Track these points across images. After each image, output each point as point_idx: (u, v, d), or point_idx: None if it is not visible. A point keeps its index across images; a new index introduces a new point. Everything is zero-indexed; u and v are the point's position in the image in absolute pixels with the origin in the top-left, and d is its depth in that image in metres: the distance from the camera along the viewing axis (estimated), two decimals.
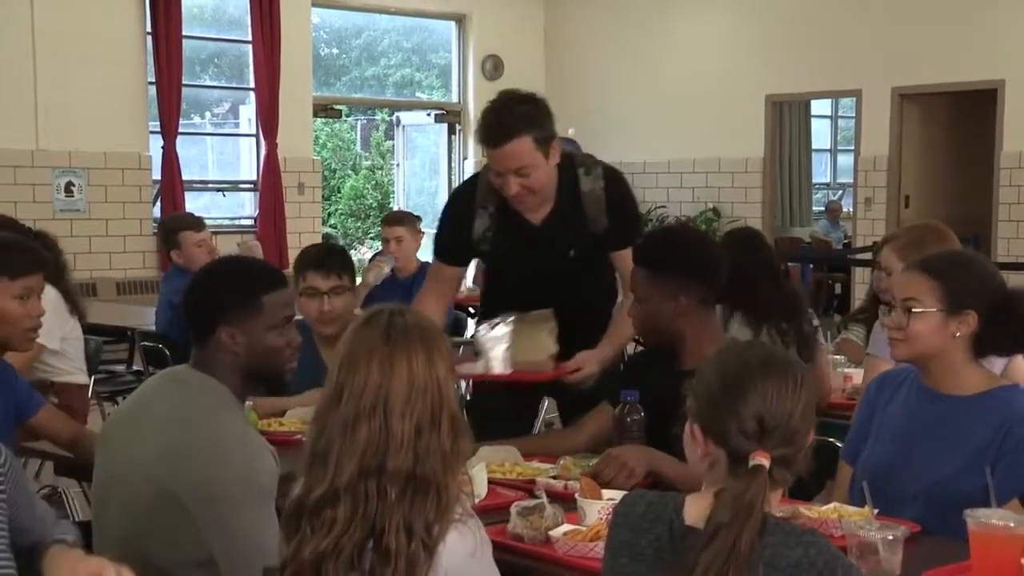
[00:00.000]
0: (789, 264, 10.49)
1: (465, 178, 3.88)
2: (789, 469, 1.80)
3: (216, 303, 2.44)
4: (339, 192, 16.85)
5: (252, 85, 10.30)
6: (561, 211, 3.41)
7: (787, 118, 12.38)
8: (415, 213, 6.89)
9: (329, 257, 3.61)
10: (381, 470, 1.88)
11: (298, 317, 3.67)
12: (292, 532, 1.91)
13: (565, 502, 2.55)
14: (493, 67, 11.89)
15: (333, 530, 1.86)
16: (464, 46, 12.03)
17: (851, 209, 11.44)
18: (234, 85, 10.97)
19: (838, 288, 12.12)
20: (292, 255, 10.08)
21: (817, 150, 14.35)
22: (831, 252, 12.41)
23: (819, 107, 14.20)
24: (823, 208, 14.04)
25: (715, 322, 3.14)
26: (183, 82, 9.75)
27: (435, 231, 3.69)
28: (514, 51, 12.00)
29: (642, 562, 1.80)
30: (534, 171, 3.27)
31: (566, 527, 2.40)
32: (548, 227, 3.43)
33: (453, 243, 3.58)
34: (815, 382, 1.89)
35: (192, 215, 5.94)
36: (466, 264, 3.82)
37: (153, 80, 9.60)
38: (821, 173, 15.15)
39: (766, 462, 1.74)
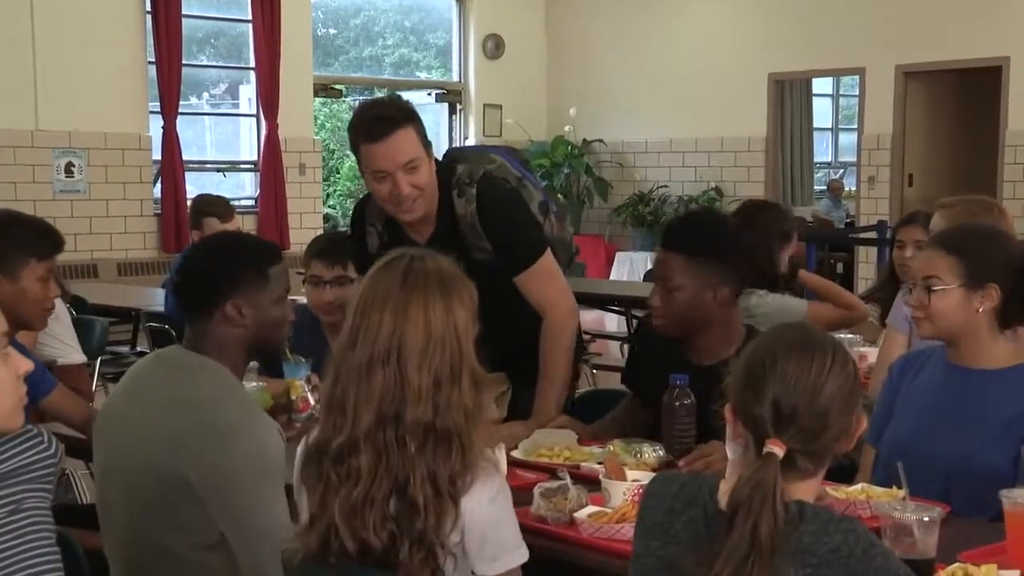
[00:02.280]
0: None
1: None
2: (816, 456, 1.74)
3: (224, 277, 2.42)
4: (338, 173, 16.77)
5: (252, 65, 10.21)
6: (441, 235, 3.10)
7: (788, 97, 12.30)
8: None
9: (333, 247, 3.55)
10: (399, 419, 1.86)
11: (301, 300, 3.63)
12: (314, 480, 1.89)
13: (589, 483, 2.51)
14: (494, 46, 11.81)
15: (361, 480, 1.85)
16: (465, 25, 11.94)
17: (854, 188, 11.39)
18: (234, 65, 10.88)
19: (840, 267, 12.07)
20: (293, 236, 10.03)
21: (819, 129, 14.28)
22: (833, 231, 12.36)
23: (820, 86, 14.12)
24: (824, 187, 13.98)
25: (739, 313, 3.05)
26: (183, 62, 9.67)
27: None
28: (515, 30, 11.91)
29: (676, 545, 1.75)
30: (422, 166, 3.01)
31: (591, 509, 2.36)
32: (431, 247, 3.15)
33: (360, 257, 3.32)
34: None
35: (224, 201, 5.84)
36: None
37: (153, 60, 9.51)
38: (823, 152, 15.09)
39: (778, 450, 1.69)
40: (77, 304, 5.45)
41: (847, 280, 11.40)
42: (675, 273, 2.88)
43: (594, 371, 6.44)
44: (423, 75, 13.32)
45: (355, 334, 1.90)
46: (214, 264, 2.46)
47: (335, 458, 1.87)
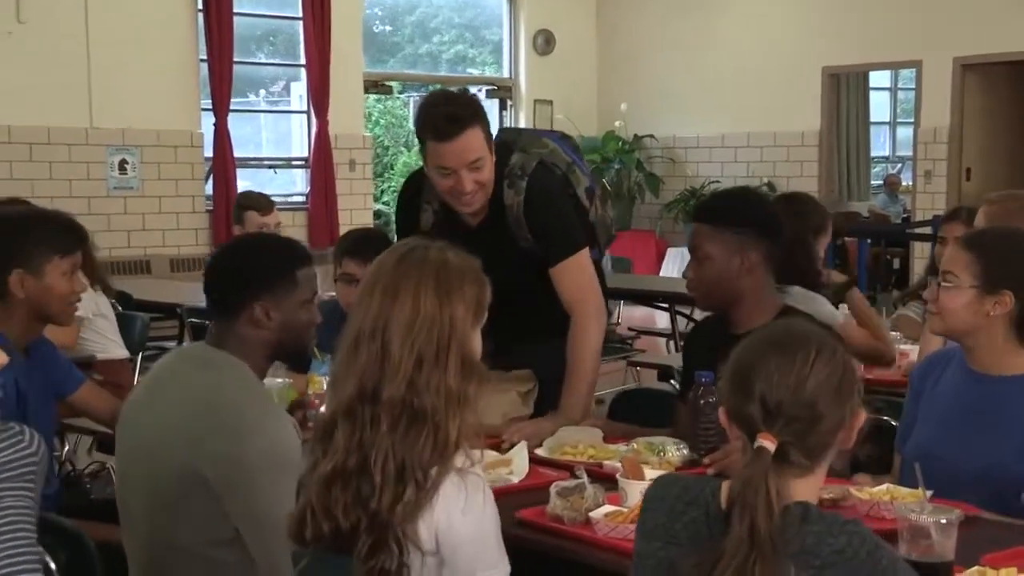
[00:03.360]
0: (846, 239, 10.43)
1: None
2: (811, 450, 1.72)
3: (252, 279, 2.42)
4: (392, 169, 16.84)
5: (303, 62, 10.28)
6: (489, 223, 3.22)
7: (845, 90, 12.15)
8: None
9: (365, 244, 3.55)
10: (376, 396, 1.85)
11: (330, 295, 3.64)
12: (311, 453, 1.90)
13: (611, 482, 2.49)
14: (544, 41, 11.78)
15: (337, 454, 1.83)
16: (515, 20, 11.93)
17: (911, 183, 11.22)
18: (285, 62, 10.96)
19: (896, 263, 11.91)
20: (343, 232, 10.06)
21: (876, 123, 14.08)
22: (889, 226, 12.19)
23: (878, 79, 13.93)
24: (882, 182, 13.79)
25: (773, 285, 3.05)
26: (235, 59, 9.75)
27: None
28: (565, 25, 11.88)
29: (678, 547, 1.73)
30: (485, 164, 3.10)
31: (607, 508, 2.33)
32: (481, 233, 3.21)
33: (411, 232, 3.35)
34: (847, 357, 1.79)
35: (264, 196, 5.93)
36: None
37: (205, 58, 9.61)
38: (880, 146, 14.88)
39: (769, 444, 1.67)
40: (122, 300, 5.51)
41: (902, 276, 11.24)
42: (703, 242, 2.94)
43: (637, 368, 6.40)
44: (477, 71, 13.34)
45: (352, 313, 1.92)
46: (243, 265, 2.46)
47: (321, 434, 1.88)
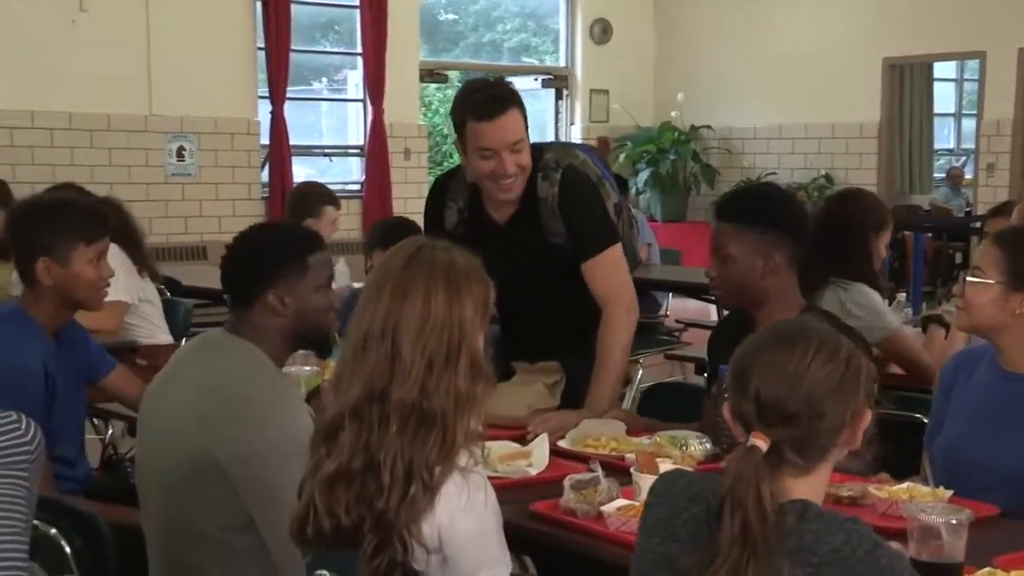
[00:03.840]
0: (905, 233, 10.27)
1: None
2: (807, 449, 1.70)
3: (264, 267, 2.44)
4: (451, 157, 16.89)
5: (360, 50, 10.33)
6: (521, 215, 3.23)
7: (908, 81, 11.96)
8: None
9: (395, 235, 3.56)
10: (385, 398, 1.85)
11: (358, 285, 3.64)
12: (315, 453, 1.91)
13: (626, 476, 2.48)
14: (601, 31, 11.73)
15: (343, 455, 1.84)
16: (572, 10, 11.89)
17: (973, 176, 11.04)
18: (341, 50, 11.02)
19: (959, 257, 11.71)
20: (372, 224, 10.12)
21: (940, 114, 13.85)
22: (949, 220, 11.99)
23: (943, 70, 13.69)
24: (945, 175, 13.56)
25: (796, 285, 3.03)
26: (292, 47, 9.83)
27: None
28: (622, 14, 11.81)
29: (676, 543, 1.72)
30: (525, 147, 3.14)
31: (620, 502, 2.33)
32: (510, 229, 3.25)
33: (436, 233, 3.34)
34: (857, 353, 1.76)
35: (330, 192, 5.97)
36: None
37: (262, 46, 9.69)
38: (944, 139, 14.63)
39: (760, 443, 1.65)
40: (170, 286, 5.60)
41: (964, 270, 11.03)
42: (727, 242, 2.92)
43: (682, 363, 6.36)
44: (536, 60, 13.31)
45: (360, 313, 1.91)
46: (255, 254, 2.49)
47: (326, 434, 1.89)
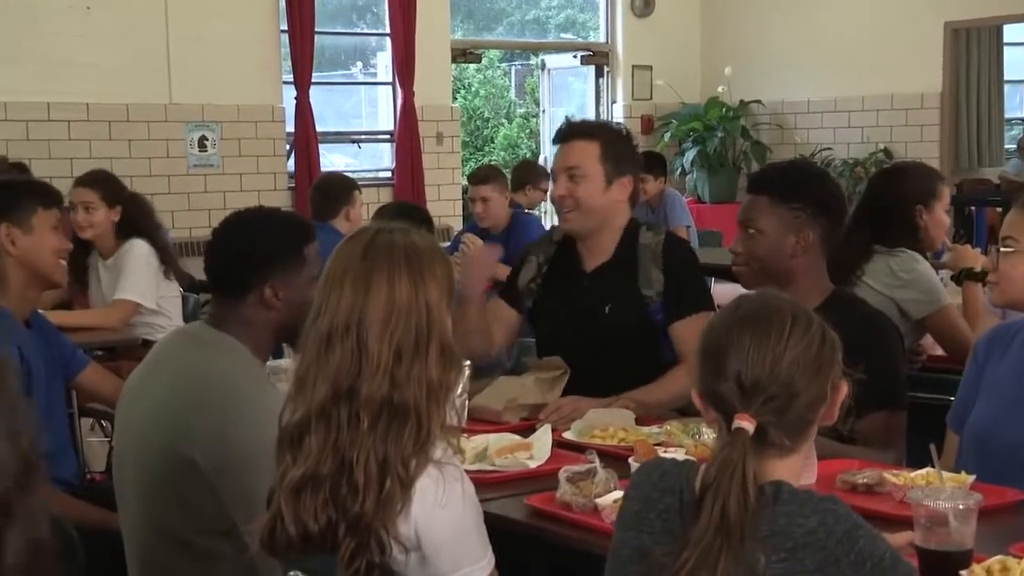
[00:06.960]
0: (972, 207, 10.12)
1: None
2: (791, 429, 1.69)
3: (261, 258, 2.43)
4: (492, 142, 16.86)
5: (388, 31, 10.34)
6: (613, 264, 3.40)
7: (975, 47, 11.76)
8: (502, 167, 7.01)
9: (396, 221, 3.59)
10: (354, 395, 1.84)
11: None
12: (281, 460, 1.91)
13: (624, 464, 2.47)
14: (643, 3, 11.64)
15: (309, 459, 1.83)
16: None
17: None
18: (368, 31, 11.03)
19: None
20: (431, 208, 10.09)
21: (1011, 81, 13.60)
22: (1003, 193, 11.78)
23: (1014, 33, 13.44)
24: (1016, 146, 13.33)
25: (824, 269, 3.01)
26: (316, 30, 9.86)
27: None
28: None
29: (650, 534, 1.72)
30: (585, 181, 3.31)
31: (616, 494, 2.31)
32: (595, 276, 3.39)
33: (506, 289, 3.62)
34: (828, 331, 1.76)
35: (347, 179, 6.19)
36: (520, 310, 3.57)
37: (286, 29, 9.73)
38: (1016, 107, 14.37)
39: (747, 425, 1.64)
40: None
41: None
42: (758, 215, 2.92)
43: None
44: (578, 38, 13.27)
45: (318, 309, 1.90)
46: (249, 244, 2.47)
47: (291, 439, 1.88)
